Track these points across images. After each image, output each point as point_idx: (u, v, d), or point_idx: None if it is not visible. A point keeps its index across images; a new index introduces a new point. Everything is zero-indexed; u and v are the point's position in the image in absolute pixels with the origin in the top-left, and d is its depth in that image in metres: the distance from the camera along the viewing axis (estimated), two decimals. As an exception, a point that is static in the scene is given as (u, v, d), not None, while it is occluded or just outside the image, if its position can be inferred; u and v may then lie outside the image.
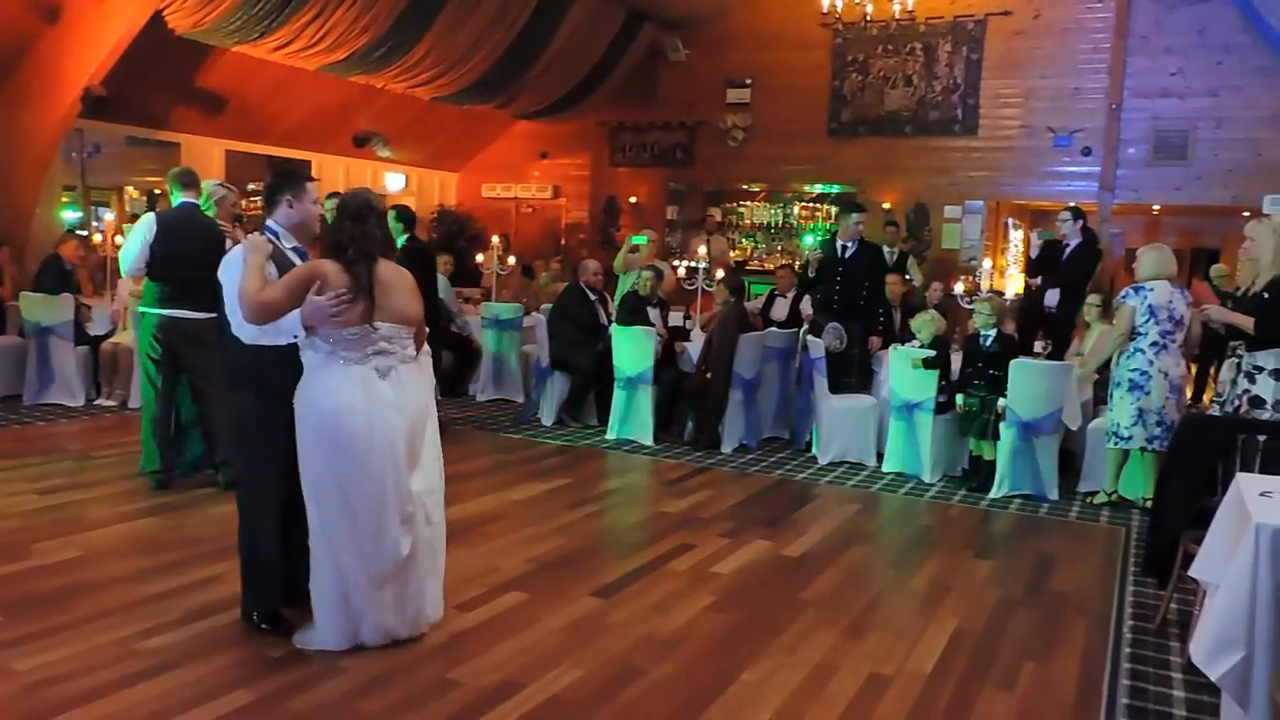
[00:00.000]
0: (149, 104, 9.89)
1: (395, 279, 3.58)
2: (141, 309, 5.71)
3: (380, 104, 11.69)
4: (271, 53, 9.15)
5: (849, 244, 7.41)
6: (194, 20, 8.19)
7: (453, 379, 9.56)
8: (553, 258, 12.24)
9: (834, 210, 11.87)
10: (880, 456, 7.15)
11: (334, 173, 12.33)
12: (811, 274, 7.63)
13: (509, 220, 13.70)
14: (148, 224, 5.55)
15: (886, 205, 11.35)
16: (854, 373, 7.26)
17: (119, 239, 8.82)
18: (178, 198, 5.71)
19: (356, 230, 3.54)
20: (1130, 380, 5.97)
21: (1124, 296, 6.06)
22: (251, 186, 15.54)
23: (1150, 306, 5.93)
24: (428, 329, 3.80)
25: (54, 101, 8.74)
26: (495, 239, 10.19)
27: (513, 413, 8.71)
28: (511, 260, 10.39)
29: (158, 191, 11.33)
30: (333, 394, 3.46)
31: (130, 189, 11.75)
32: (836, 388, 7.25)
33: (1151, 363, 5.91)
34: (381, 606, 3.60)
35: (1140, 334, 5.96)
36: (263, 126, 11.24)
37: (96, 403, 8.25)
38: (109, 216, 8.98)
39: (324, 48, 9.24)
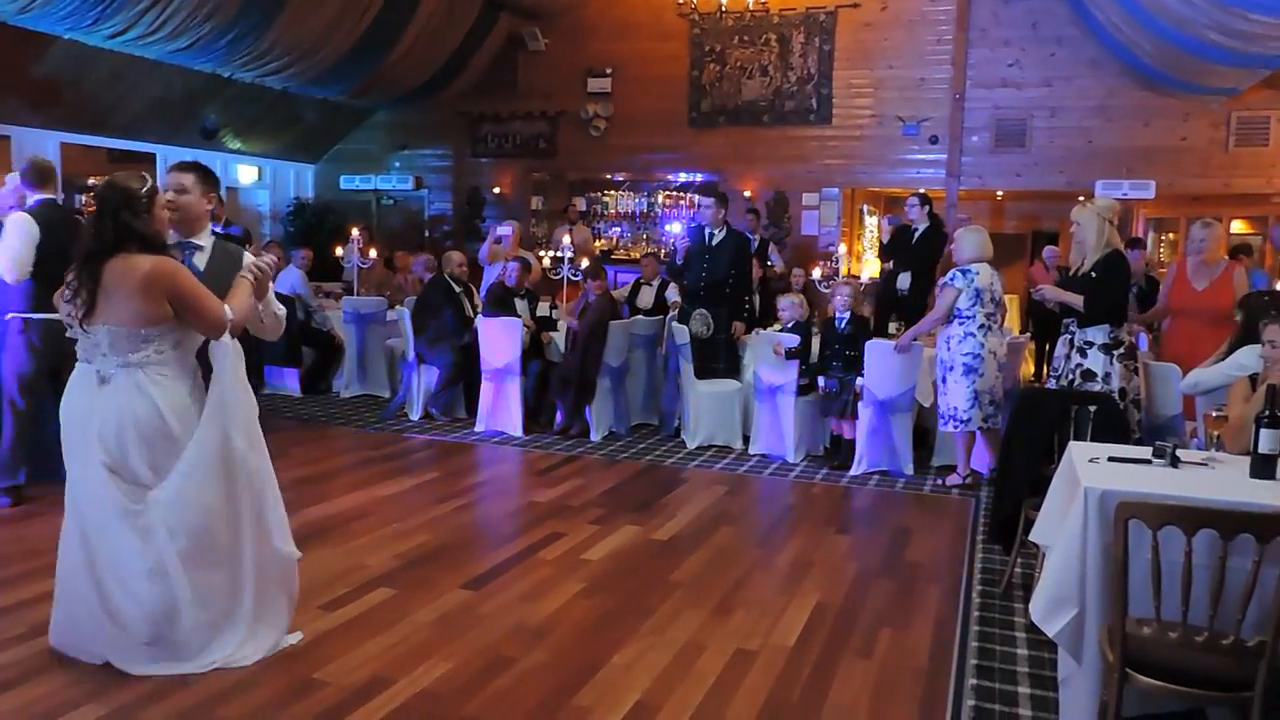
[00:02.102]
0: (-28, 93, 9.23)
1: (117, 278, 3.23)
2: (16, 315, 5.26)
3: (228, 94, 11.21)
4: (107, 40, 8.65)
5: (716, 231, 7.53)
6: (20, 5, 7.67)
7: (315, 375, 9.31)
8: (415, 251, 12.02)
9: (696, 199, 12.07)
10: (746, 439, 7.31)
11: (182, 164, 11.78)
12: (680, 261, 7.71)
13: (370, 213, 13.36)
14: (26, 224, 5.13)
15: (747, 193, 11.57)
16: (722, 358, 7.39)
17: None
18: (34, 196, 5.33)
19: (88, 225, 3.43)
20: (965, 364, 6.11)
21: (951, 279, 6.23)
22: (91, 181, 14.74)
23: (976, 289, 6.12)
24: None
25: None
26: (355, 231, 9.95)
27: (378, 408, 8.53)
28: (373, 253, 10.16)
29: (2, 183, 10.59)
30: (67, 393, 3.39)
31: (-46, 183, 10.95)
32: (705, 373, 7.36)
33: (982, 345, 6.12)
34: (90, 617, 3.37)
35: (968, 317, 6.12)
36: (101, 117, 10.62)
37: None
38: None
39: (164, 35, 8.79)
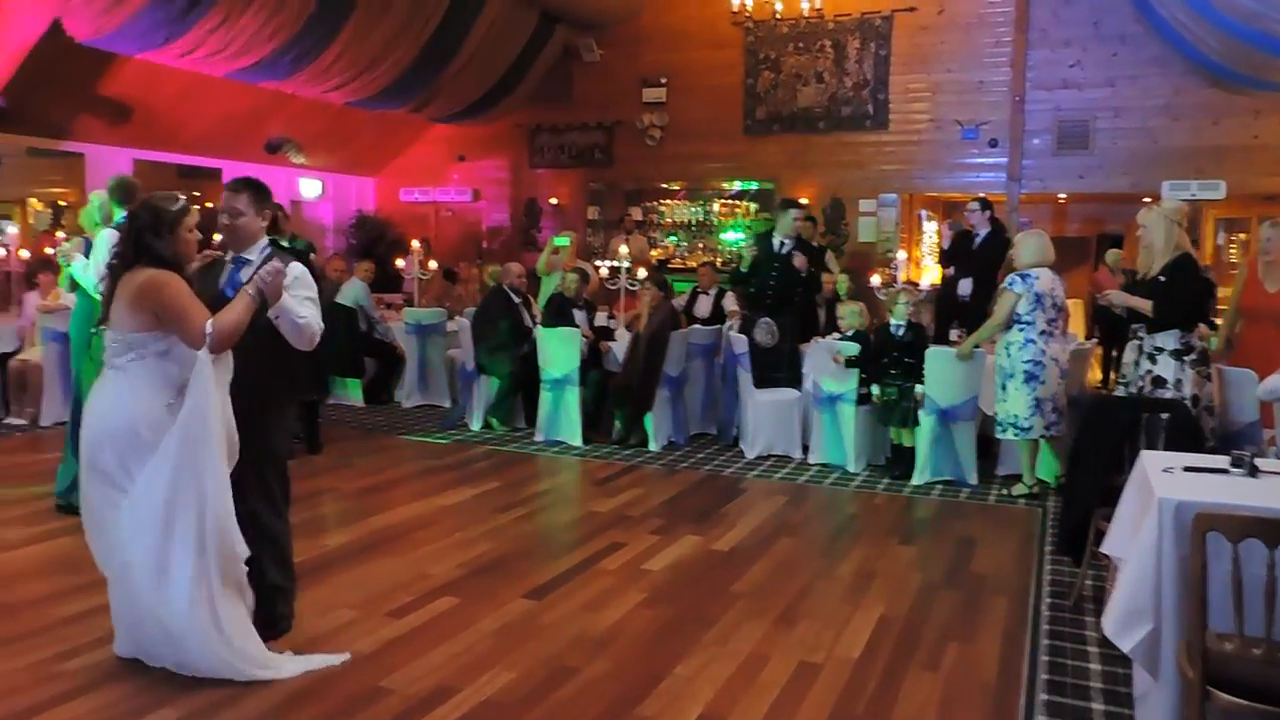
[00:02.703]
0: (51, 114, 9.54)
1: (122, 288, 3.34)
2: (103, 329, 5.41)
3: (292, 109, 11.45)
4: (178, 59, 8.89)
5: (786, 241, 7.50)
6: (95, 27, 7.91)
7: (377, 386, 9.43)
8: (475, 261, 12.14)
9: (753, 206, 12.04)
10: (806, 449, 7.25)
11: (247, 180, 12.05)
12: (744, 269, 7.70)
13: (429, 224, 13.53)
14: (115, 239, 5.28)
15: (803, 200, 11.47)
16: (784, 368, 7.34)
17: (24, 253, 8.54)
18: (119, 214, 5.43)
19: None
20: (1025, 371, 6.01)
21: (1009, 284, 6.13)
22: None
23: (1036, 294, 6.01)
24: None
25: (-51, 113, 8.39)
26: (415, 243, 10.08)
27: (439, 418, 8.62)
28: (433, 265, 10.29)
29: (63, 204, 10.94)
30: None
31: (34, 201, 11.31)
32: (766, 382, 7.32)
33: (1044, 351, 6.00)
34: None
35: (1028, 323, 6.01)
36: (171, 134, 10.92)
37: (6, 421, 7.95)
38: (12, 230, 8.65)
39: (231, 53, 9.01)
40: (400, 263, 10.43)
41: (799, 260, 7.39)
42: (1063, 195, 12.20)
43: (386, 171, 14.04)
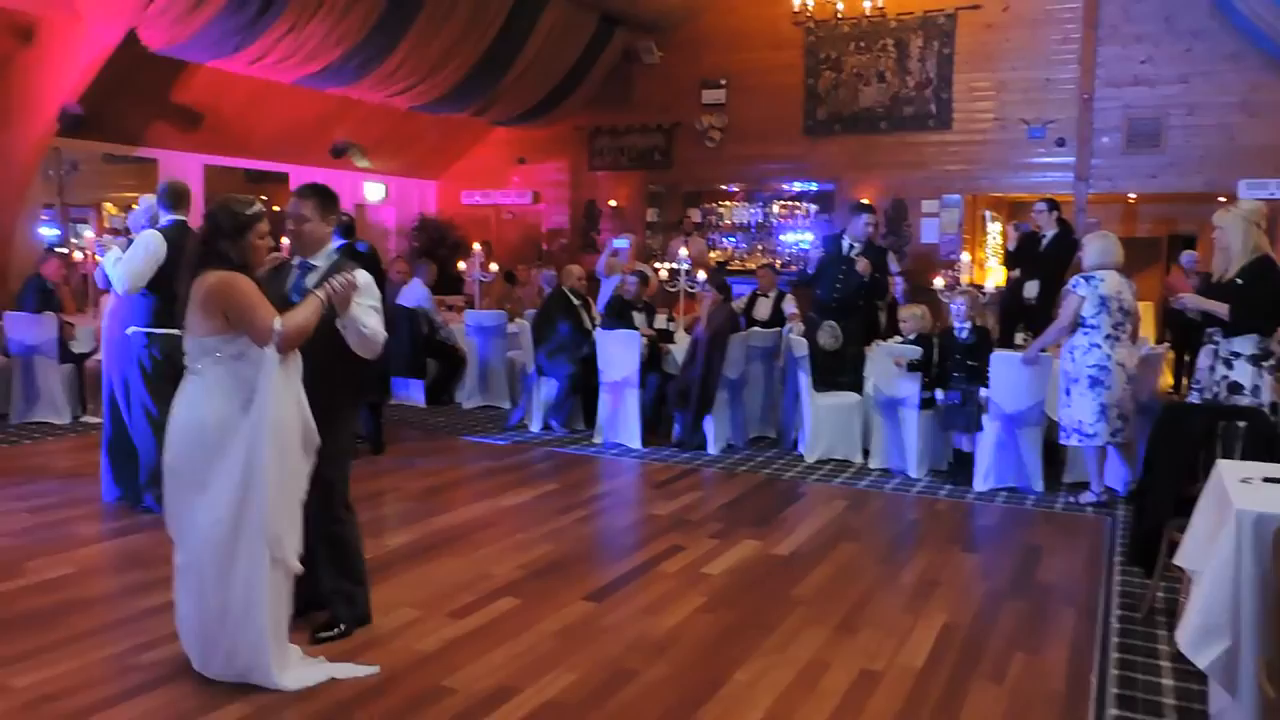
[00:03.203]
0: (125, 121, 9.83)
1: (194, 292, 3.39)
2: (138, 329, 5.47)
3: (357, 114, 11.65)
4: (247, 66, 9.10)
5: (855, 244, 7.45)
6: (169, 37, 8.13)
7: (439, 387, 9.55)
8: (535, 263, 12.23)
9: (813, 208, 11.96)
10: (866, 453, 7.18)
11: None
12: (811, 270, 7.64)
13: (490, 227, 13.67)
14: (155, 242, 5.37)
15: (865, 201, 11.36)
16: (846, 371, 7.28)
17: (101, 256, 8.79)
18: (166, 217, 5.55)
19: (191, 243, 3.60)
20: (1090, 376, 5.88)
21: (1073, 285, 5.99)
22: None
23: (1101, 297, 5.87)
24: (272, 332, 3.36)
25: (32, 121, 8.68)
26: (477, 246, 10.19)
27: (500, 419, 8.70)
28: (494, 267, 10.38)
29: (136, 207, 11.26)
30: None
31: (108, 205, 11.64)
32: (827, 386, 7.26)
33: (1109, 356, 5.85)
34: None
35: (1093, 326, 5.88)
36: (240, 139, 11.18)
37: (82, 420, 8.22)
38: (88, 233, 8.93)
39: (299, 60, 9.19)
40: (461, 265, 10.56)
41: (861, 265, 7.33)
42: (1133, 195, 11.89)
43: (448, 174, 14.20)
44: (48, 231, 9.52)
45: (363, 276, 3.67)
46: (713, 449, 7.49)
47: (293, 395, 3.43)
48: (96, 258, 6.29)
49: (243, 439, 3.32)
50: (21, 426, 7.92)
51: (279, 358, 3.34)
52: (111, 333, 5.64)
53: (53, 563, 4.68)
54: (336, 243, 3.89)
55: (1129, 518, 5.66)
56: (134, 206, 6.22)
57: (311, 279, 3.71)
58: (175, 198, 5.62)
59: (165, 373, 5.42)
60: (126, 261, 5.35)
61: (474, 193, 13.83)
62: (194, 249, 3.51)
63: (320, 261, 3.76)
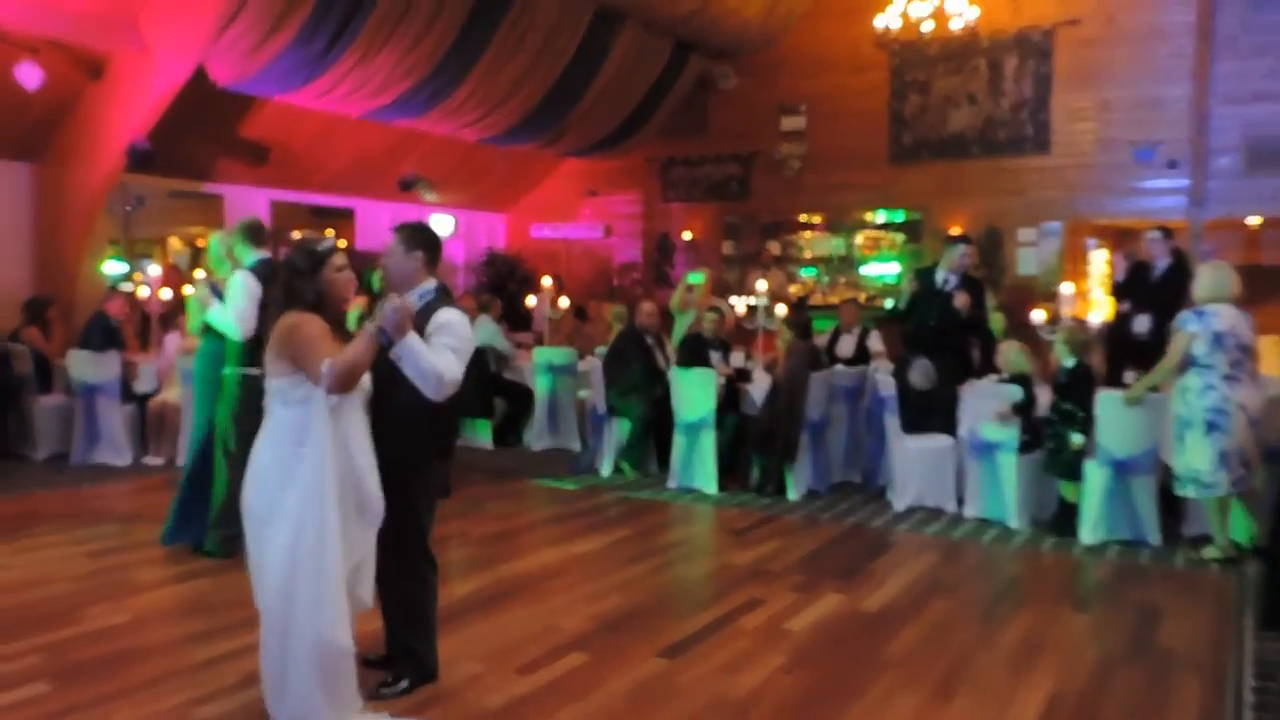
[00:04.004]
0: (192, 156, 10.17)
1: (272, 333, 3.50)
2: (234, 370, 5.59)
3: (425, 147, 11.90)
4: (315, 100, 9.37)
5: (951, 277, 7.34)
6: (238, 72, 8.42)
7: (507, 427, 9.60)
8: (606, 299, 12.29)
9: (899, 239, 11.83)
10: (961, 501, 6.99)
11: (379, 218, 12.53)
12: (903, 306, 7.53)
13: (560, 261, 13.79)
14: (251, 282, 5.51)
15: (955, 231, 11.20)
16: (939, 413, 7.12)
17: (165, 293, 9.08)
18: (249, 256, 5.69)
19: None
20: (1207, 421, 5.64)
21: (1183, 323, 5.76)
22: (295, 235, 15.99)
23: (1215, 334, 5.64)
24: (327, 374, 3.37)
25: (99, 157, 9.05)
26: (546, 281, 10.25)
27: (569, 461, 8.70)
28: (564, 303, 10.44)
29: (201, 244, 11.62)
30: None
31: (174, 240, 12.03)
32: (917, 428, 7.11)
33: (1227, 398, 5.60)
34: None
35: (1207, 366, 5.64)
36: (306, 174, 11.50)
37: (144, 461, 8.44)
38: (154, 271, 9.21)
39: (368, 92, 9.43)
40: (530, 300, 10.64)
41: (960, 300, 7.19)
42: (1254, 220, 11.50)
43: (517, 208, 14.41)
44: (113, 268, 9.86)
45: (448, 315, 3.67)
46: (793, 495, 7.37)
47: (346, 450, 3.43)
48: (193, 309, 6.51)
49: (295, 487, 3.36)
50: (82, 467, 8.17)
51: (332, 403, 3.36)
52: (204, 374, 5.82)
53: (111, 610, 4.77)
54: (431, 282, 3.85)
55: (1260, 575, 5.37)
56: (200, 244, 6.40)
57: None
58: (256, 235, 5.81)
59: (251, 414, 5.54)
60: (232, 308, 5.52)
61: (544, 226, 13.99)
62: (275, 291, 3.62)
63: (415, 299, 3.78)
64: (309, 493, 3.34)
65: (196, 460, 5.84)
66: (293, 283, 3.49)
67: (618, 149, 12.79)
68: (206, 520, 5.71)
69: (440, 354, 3.58)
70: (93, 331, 8.48)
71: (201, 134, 9.90)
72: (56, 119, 9.04)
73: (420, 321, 3.65)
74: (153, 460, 8.40)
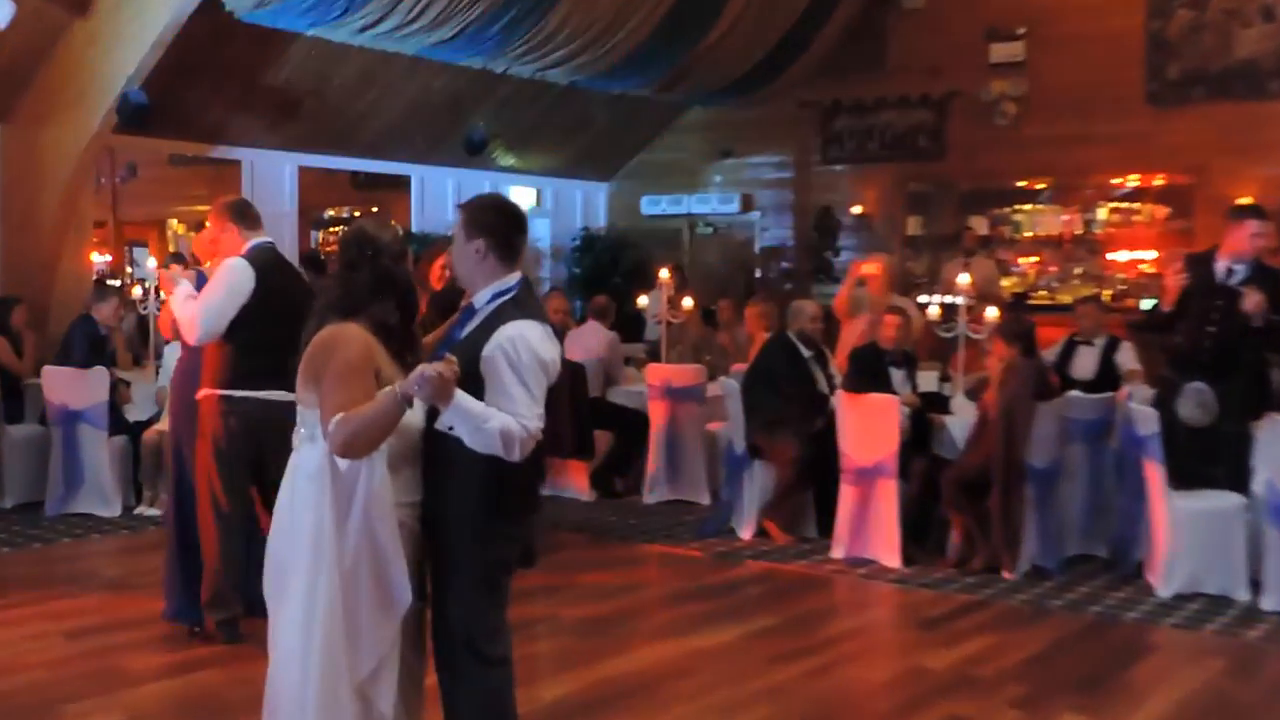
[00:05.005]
0: (200, 111, 10.54)
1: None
2: (211, 391, 5.65)
3: (500, 95, 12.08)
4: (357, 35, 9.58)
5: (1238, 266, 7.12)
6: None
7: (609, 471, 9.64)
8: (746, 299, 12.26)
9: (1160, 213, 11.54)
10: (1256, 586, 6.77)
11: (441, 188, 12.78)
12: (1166, 307, 7.35)
13: (681, 246, 13.84)
14: (239, 271, 5.59)
15: (1244, 200, 10.85)
16: (1222, 459, 6.90)
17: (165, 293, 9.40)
18: (249, 239, 5.77)
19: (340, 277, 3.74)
20: None
21: None
22: (330, 214, 16.39)
23: None
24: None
25: (83, 113, 9.41)
26: (663, 273, 10.28)
27: (695, 520, 8.69)
28: (687, 303, 10.45)
29: (209, 225, 12.04)
30: None
31: (174, 222, 12.49)
32: (1191, 481, 6.93)
33: None
34: None
35: None
36: (345, 133, 11.79)
37: (136, 511, 8.73)
38: (151, 264, 9.48)
39: (425, 24, 9.61)
40: (641, 300, 10.67)
41: (1251, 302, 6.93)
42: None
43: (623, 174, 14.53)
44: (98, 258, 10.21)
45: (510, 331, 3.55)
46: (1012, 572, 7.23)
47: (365, 515, 3.45)
48: (165, 289, 6.64)
49: (305, 554, 3.45)
50: (60, 520, 8.45)
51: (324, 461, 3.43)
52: (181, 395, 5.93)
53: (98, 706, 4.92)
54: (509, 279, 3.73)
55: None
56: (208, 224, 6.54)
57: (469, 331, 3.70)
58: (249, 214, 5.90)
59: (242, 451, 5.63)
60: (202, 299, 5.59)
61: (659, 198, 14.08)
62: (328, 294, 3.68)
63: (479, 304, 3.75)
64: (317, 578, 3.41)
65: (174, 514, 5.97)
66: (352, 285, 3.57)
67: (760, 94, 12.79)
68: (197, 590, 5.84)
69: (506, 401, 3.50)
70: (74, 342, 8.78)
71: (212, 82, 10.23)
72: (32, 66, 9.42)
73: (482, 337, 3.61)
74: (148, 510, 8.65)
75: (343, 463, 3.40)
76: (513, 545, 3.82)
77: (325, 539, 3.42)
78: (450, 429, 3.50)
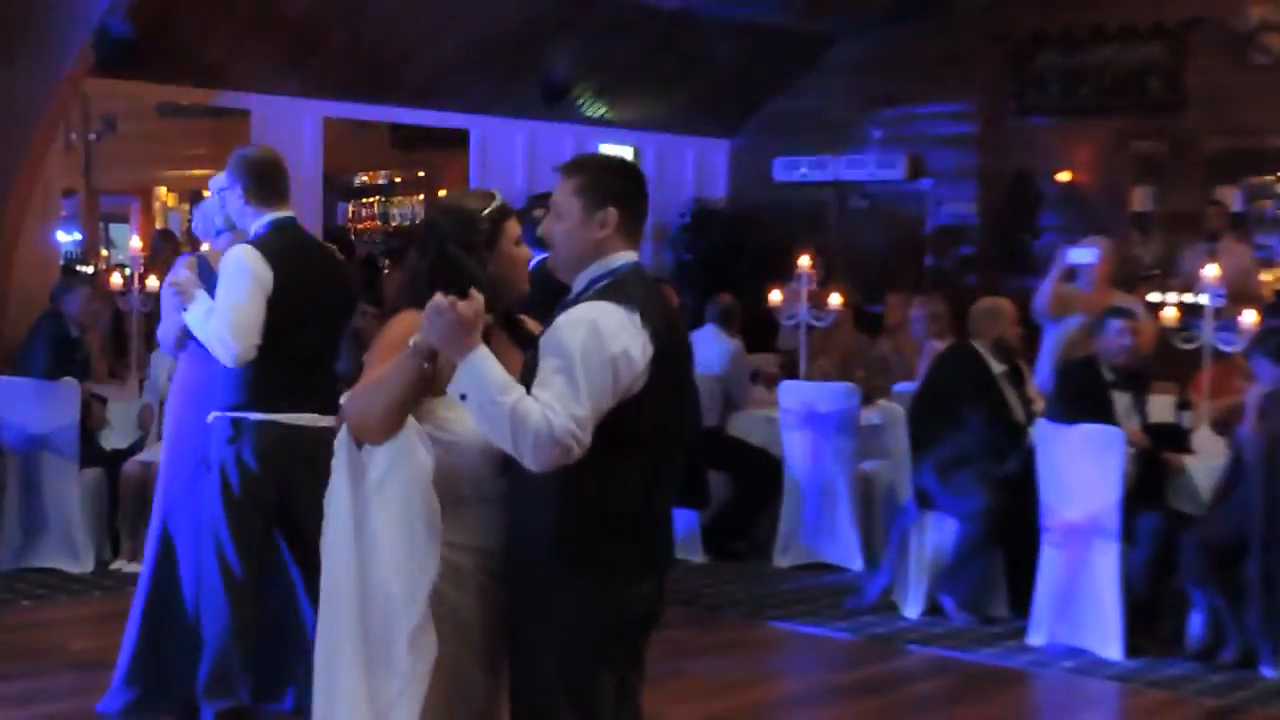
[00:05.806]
0: (198, 48, 10.67)
1: None
2: (221, 415, 5.63)
3: (584, 26, 12.11)
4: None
5: None
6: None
7: (730, 522, 9.65)
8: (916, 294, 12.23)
9: None
10: None
11: (509, 145, 12.87)
12: None
13: (827, 224, 13.84)
14: (254, 265, 5.52)
15: None
16: None
17: (153, 281, 9.56)
18: (264, 215, 5.71)
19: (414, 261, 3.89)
20: None
21: None
22: (362, 180, 16.55)
23: None
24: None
25: (49, 51, 9.58)
26: (804, 260, 10.27)
27: (844, 592, 8.69)
28: (835, 299, 10.44)
29: (206, 193, 12.24)
30: None
31: (163, 191, 12.65)
32: None
33: None
34: None
35: None
36: (382, 76, 11.90)
37: (113, 567, 8.88)
38: (134, 243, 9.59)
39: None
40: (774, 296, 10.68)
41: None
42: None
43: (749, 129, 14.56)
44: (65, 237, 10.35)
45: (581, 312, 3.51)
46: (1273, 668, 7.14)
47: (370, 537, 3.56)
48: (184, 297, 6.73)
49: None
50: (16, 577, 8.57)
51: (355, 460, 3.54)
52: (179, 420, 5.99)
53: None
54: (623, 257, 3.70)
55: None
56: (205, 194, 6.58)
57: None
58: (268, 180, 5.77)
59: (257, 491, 5.63)
60: (226, 310, 5.47)
61: (797, 161, 14.08)
62: (411, 278, 3.81)
63: (582, 284, 3.75)
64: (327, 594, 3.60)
65: (156, 572, 5.99)
66: (412, 273, 3.74)
67: (930, 22, 12.74)
68: (185, 669, 5.83)
69: (540, 388, 3.43)
70: (37, 346, 8.94)
71: (212, 10, 10.38)
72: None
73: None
74: (127, 566, 8.72)
75: (378, 465, 3.49)
76: (617, 617, 3.76)
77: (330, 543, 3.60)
78: (463, 397, 3.44)
